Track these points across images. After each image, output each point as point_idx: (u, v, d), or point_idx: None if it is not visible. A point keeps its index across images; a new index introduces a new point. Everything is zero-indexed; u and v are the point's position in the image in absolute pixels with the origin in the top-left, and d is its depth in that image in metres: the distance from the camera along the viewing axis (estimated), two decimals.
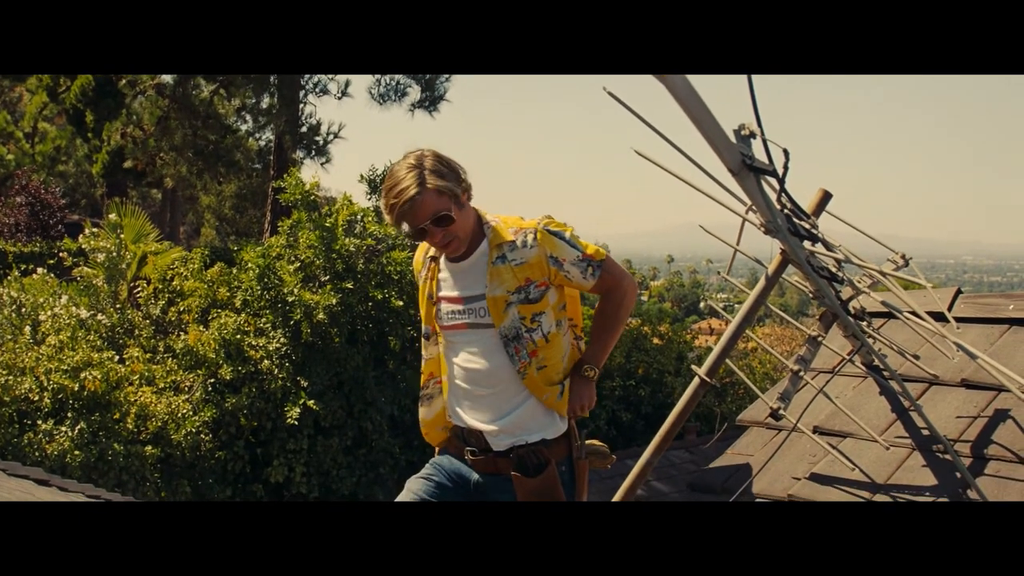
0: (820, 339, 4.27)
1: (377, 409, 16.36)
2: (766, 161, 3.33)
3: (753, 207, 3.58)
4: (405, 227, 3.76)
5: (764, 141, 3.21)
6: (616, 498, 4.18)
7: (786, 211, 3.62)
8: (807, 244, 3.73)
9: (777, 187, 3.45)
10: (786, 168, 3.33)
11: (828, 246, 3.83)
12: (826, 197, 3.98)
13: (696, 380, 4.07)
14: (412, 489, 3.97)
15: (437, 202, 3.64)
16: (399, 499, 3.96)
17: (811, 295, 4.09)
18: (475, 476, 3.90)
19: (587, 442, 4.04)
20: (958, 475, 3.81)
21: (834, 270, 3.89)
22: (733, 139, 3.24)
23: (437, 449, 4.13)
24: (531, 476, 3.75)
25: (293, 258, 16.58)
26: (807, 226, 3.71)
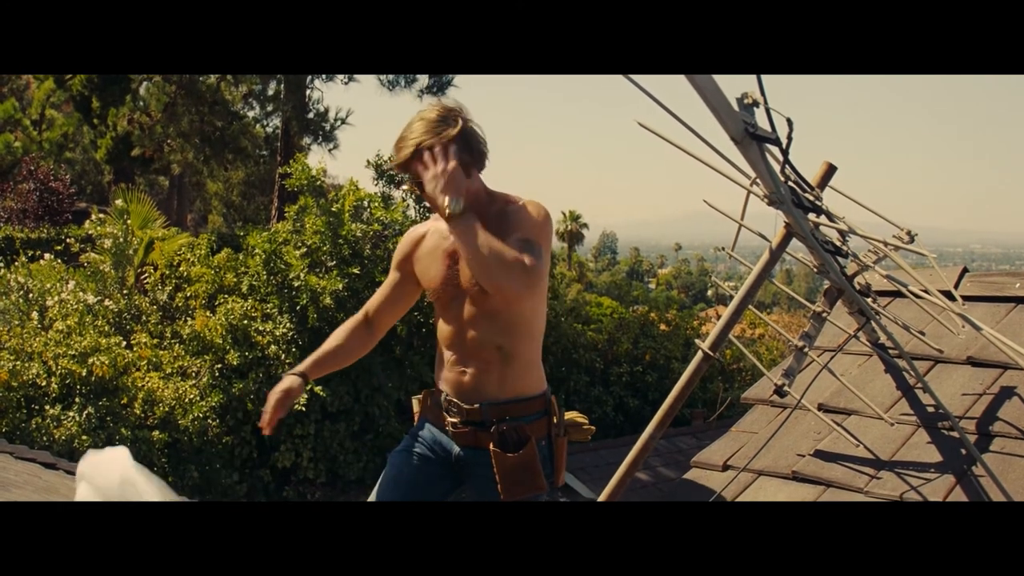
0: (824, 315, 4.26)
1: (384, 395, 16.42)
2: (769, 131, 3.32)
3: (758, 179, 3.57)
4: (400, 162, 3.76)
5: (768, 110, 3.20)
6: (619, 473, 4.17)
7: (790, 183, 3.60)
8: (811, 217, 3.71)
9: (781, 158, 3.43)
10: (790, 138, 3.31)
11: (832, 218, 3.81)
12: (831, 170, 3.95)
13: (699, 354, 4.05)
14: (395, 464, 4.00)
15: None
16: (384, 475, 3.99)
17: (815, 270, 4.08)
18: (456, 448, 3.92)
19: (566, 415, 4.06)
20: (963, 452, 3.80)
21: (838, 244, 3.88)
22: (736, 107, 3.23)
23: (416, 417, 4.14)
24: (511, 452, 3.76)
25: (299, 243, 16.62)
26: (811, 198, 3.70)
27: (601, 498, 4.22)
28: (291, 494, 16.02)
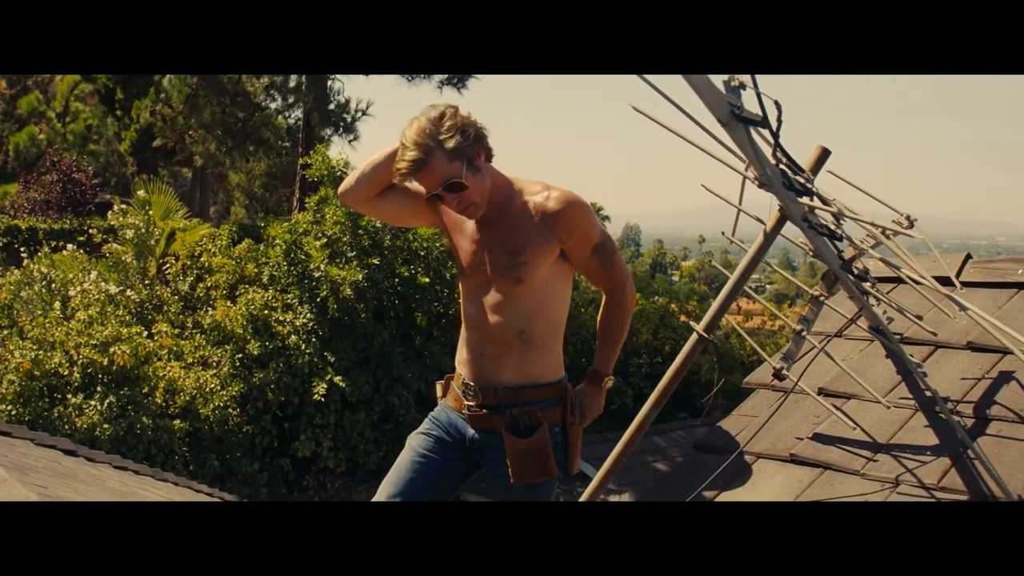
0: (822, 298, 4.31)
1: (404, 385, 16.46)
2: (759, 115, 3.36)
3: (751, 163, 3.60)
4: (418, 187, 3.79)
5: (758, 95, 3.24)
6: (616, 450, 4.23)
7: (781, 166, 3.63)
8: (806, 200, 3.74)
9: (772, 142, 3.47)
10: (779, 121, 3.34)
11: (825, 201, 3.84)
12: (824, 154, 3.97)
13: (694, 336, 4.12)
14: (412, 446, 4.05)
15: (448, 168, 3.61)
16: (401, 457, 4.05)
17: (812, 254, 4.11)
18: (471, 431, 3.97)
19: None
20: (958, 435, 3.85)
21: (833, 227, 3.91)
22: (723, 89, 3.27)
23: (439, 400, 4.18)
24: (522, 437, 3.81)
25: (320, 234, 16.67)
26: (802, 180, 3.73)
27: (600, 473, 4.29)
28: (311, 483, 16.11)
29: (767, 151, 3.56)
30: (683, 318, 22.39)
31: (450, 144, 3.60)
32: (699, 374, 20.82)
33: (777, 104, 3.29)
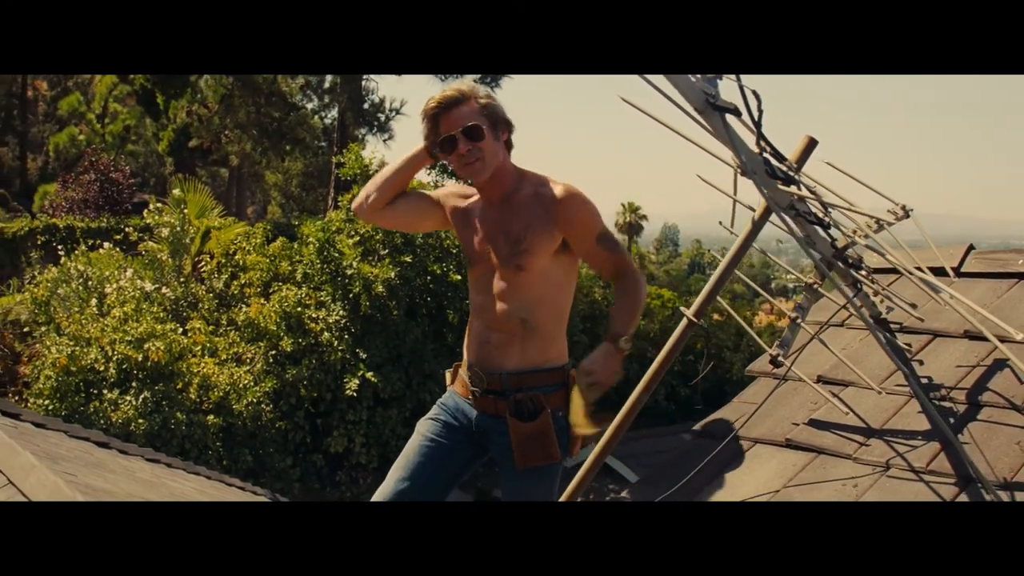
0: (816, 286, 4.38)
1: (435, 381, 16.55)
2: (756, 111, 3.43)
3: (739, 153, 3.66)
4: (431, 132, 3.92)
5: (740, 87, 3.30)
6: (608, 433, 4.30)
7: (765, 155, 3.69)
8: (792, 189, 3.78)
9: (755, 131, 3.53)
10: (760, 111, 3.42)
11: (811, 190, 3.89)
12: (811, 144, 4.00)
13: (684, 321, 4.20)
14: (421, 431, 4.15)
15: (475, 116, 3.80)
16: (410, 442, 4.15)
17: (801, 243, 4.17)
18: (476, 416, 4.07)
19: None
20: (951, 420, 3.91)
21: (821, 216, 3.96)
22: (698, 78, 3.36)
23: (447, 386, 4.28)
24: (525, 421, 3.91)
25: (353, 232, 16.80)
26: (784, 168, 3.77)
27: (593, 454, 4.36)
28: (343, 479, 16.25)
29: (751, 141, 3.63)
30: (717, 317, 22.40)
31: (483, 101, 3.84)
32: (731, 373, 20.86)
33: (756, 94, 3.36)
